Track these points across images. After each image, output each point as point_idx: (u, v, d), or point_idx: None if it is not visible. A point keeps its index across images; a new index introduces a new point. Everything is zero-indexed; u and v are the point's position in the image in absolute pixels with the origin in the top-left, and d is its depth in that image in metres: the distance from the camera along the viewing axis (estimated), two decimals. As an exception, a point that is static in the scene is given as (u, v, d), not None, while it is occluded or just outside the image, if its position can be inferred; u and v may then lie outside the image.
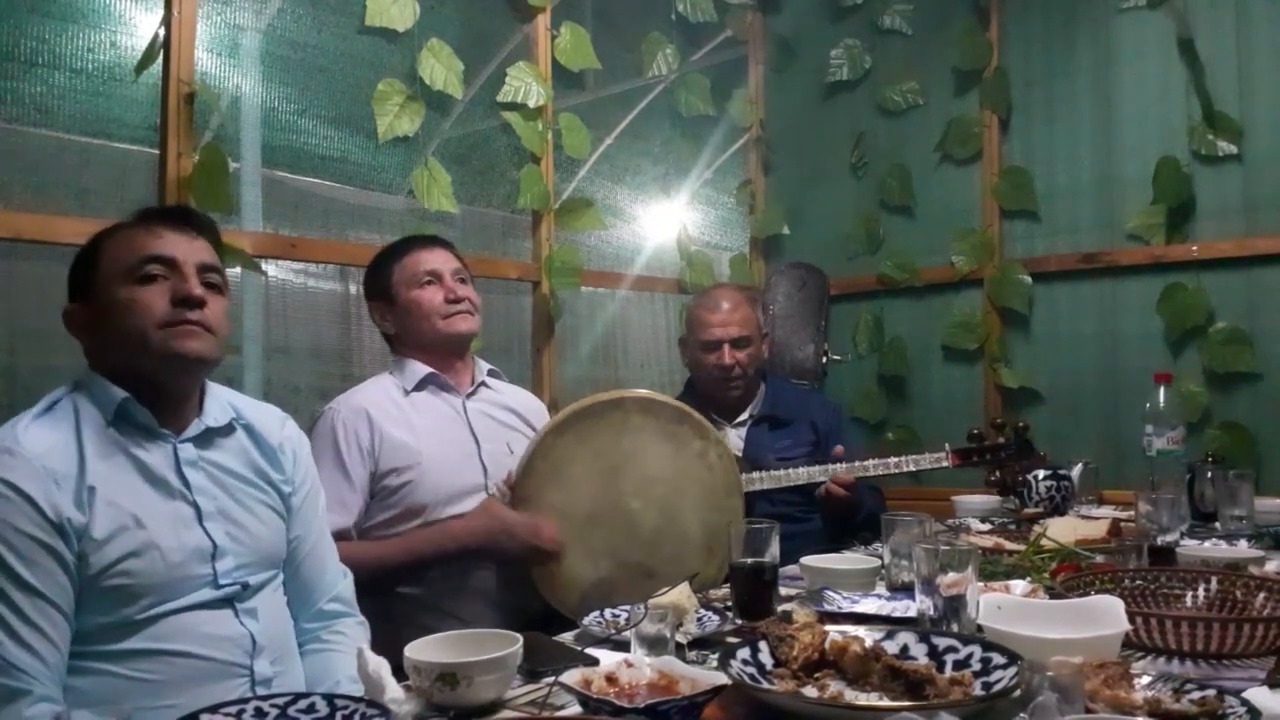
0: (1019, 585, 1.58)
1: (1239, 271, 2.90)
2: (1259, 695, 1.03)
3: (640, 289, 3.50)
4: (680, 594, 1.48)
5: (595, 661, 1.24)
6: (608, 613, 1.52)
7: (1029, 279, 3.27)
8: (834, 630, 1.21)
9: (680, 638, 1.34)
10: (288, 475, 1.44)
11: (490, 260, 2.95)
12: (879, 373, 3.57)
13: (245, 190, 2.38)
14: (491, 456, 1.95)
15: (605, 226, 3.26)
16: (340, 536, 1.66)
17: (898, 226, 3.58)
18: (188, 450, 1.33)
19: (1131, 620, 1.24)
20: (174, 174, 2.13)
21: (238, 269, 2.30)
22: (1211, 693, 1.02)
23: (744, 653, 1.17)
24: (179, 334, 1.29)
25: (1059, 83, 3.25)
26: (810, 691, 1.11)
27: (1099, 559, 1.81)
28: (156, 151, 2.15)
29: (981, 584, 1.41)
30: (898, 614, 1.50)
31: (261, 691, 1.27)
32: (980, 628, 1.26)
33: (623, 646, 1.29)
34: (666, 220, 3.60)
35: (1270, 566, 1.79)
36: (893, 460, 2.27)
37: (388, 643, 1.25)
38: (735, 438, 2.48)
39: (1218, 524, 2.21)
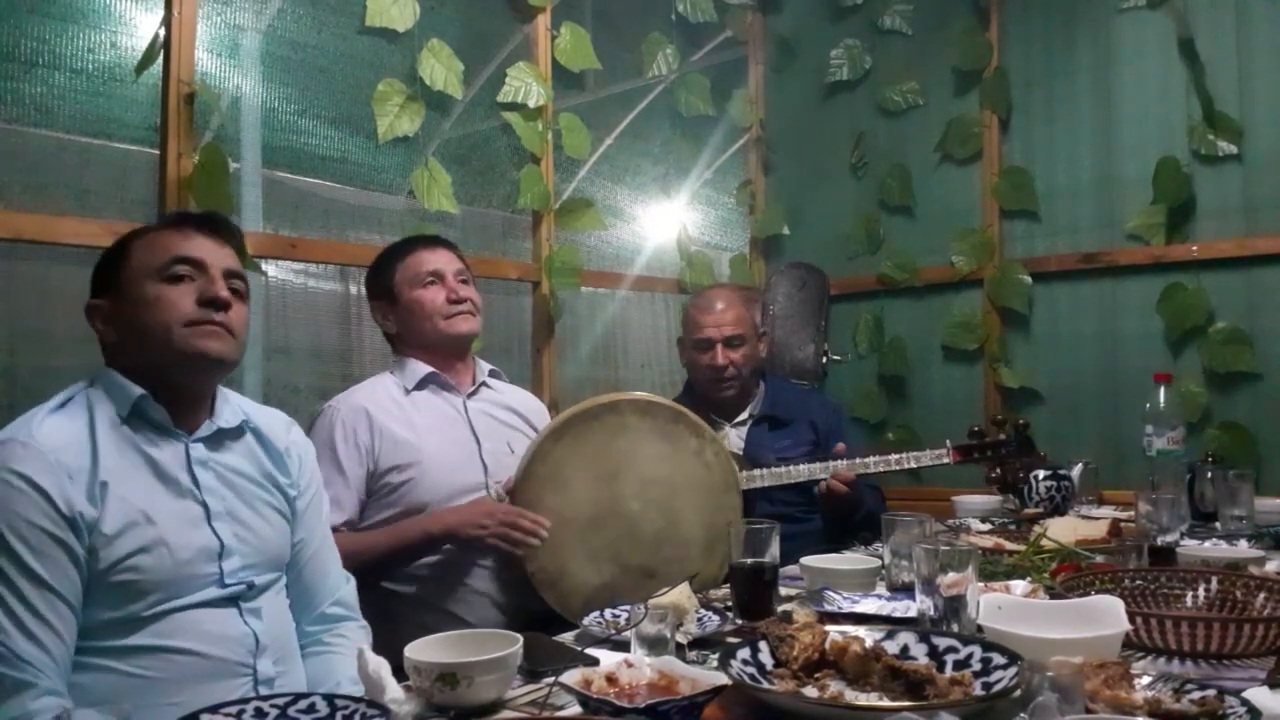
0: (1019, 585, 1.58)
1: (1239, 271, 2.90)
2: (1259, 695, 1.03)
3: (640, 289, 3.50)
4: (680, 594, 1.48)
5: (595, 661, 1.24)
6: (608, 613, 1.52)
7: (1029, 279, 3.27)
8: (834, 630, 1.21)
9: (680, 638, 1.34)
10: (293, 479, 1.46)
11: (490, 260, 2.95)
12: (879, 373, 3.58)
13: (245, 190, 2.38)
14: (492, 455, 1.96)
15: (605, 227, 3.26)
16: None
17: (898, 226, 3.58)
18: (199, 450, 1.35)
19: (1132, 620, 1.24)
20: (174, 174, 2.13)
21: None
22: (1212, 693, 1.02)
23: (744, 653, 1.17)
24: (202, 333, 1.31)
25: (1059, 83, 3.25)
26: (810, 692, 1.11)
27: (1099, 559, 1.80)
28: (156, 152, 2.16)
29: (981, 584, 1.41)
30: (898, 614, 1.50)
31: (264, 691, 1.28)
32: (980, 628, 1.26)
33: (623, 646, 1.29)
34: (666, 220, 3.60)
35: (1270, 566, 1.79)
36: (893, 457, 2.27)
37: (388, 643, 1.25)
38: (735, 438, 2.48)
39: (1218, 524, 2.21)
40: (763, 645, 1.19)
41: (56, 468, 1.19)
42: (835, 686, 1.12)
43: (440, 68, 2.68)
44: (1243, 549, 1.87)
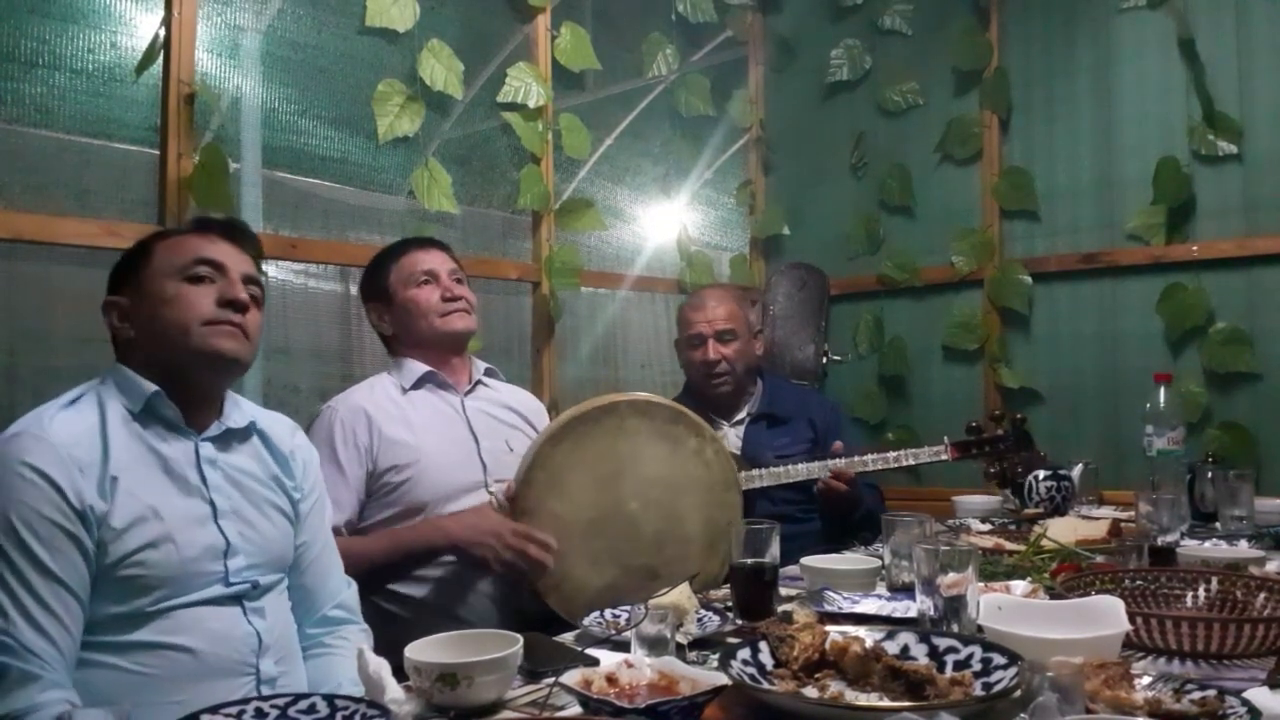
0: (1019, 585, 1.58)
1: (1239, 271, 2.90)
2: (1259, 695, 1.03)
3: (640, 289, 3.50)
4: (680, 594, 1.48)
5: (595, 662, 1.24)
6: (608, 613, 1.52)
7: (1029, 279, 3.27)
8: (834, 630, 1.21)
9: (680, 638, 1.34)
10: (298, 482, 1.47)
11: (490, 261, 2.95)
12: (879, 373, 3.58)
13: (245, 191, 2.38)
14: (490, 454, 1.96)
15: (605, 227, 3.26)
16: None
17: (898, 226, 3.58)
18: (208, 449, 1.36)
19: (1132, 620, 1.24)
20: (174, 174, 2.13)
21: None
22: (1212, 693, 1.02)
23: (744, 653, 1.17)
24: (219, 333, 1.34)
25: (1059, 83, 3.25)
26: (810, 692, 1.11)
27: (1099, 559, 1.80)
28: (156, 152, 2.16)
29: (982, 584, 1.41)
30: (898, 614, 1.50)
31: (266, 690, 1.28)
32: (980, 628, 1.26)
33: (623, 647, 1.29)
34: (666, 220, 3.60)
35: (1270, 566, 1.79)
36: (892, 454, 2.27)
37: (388, 643, 1.25)
38: (733, 436, 2.49)
39: (1218, 524, 2.21)
40: (763, 645, 1.19)
41: (68, 461, 1.20)
42: (835, 687, 1.12)
43: (440, 68, 2.68)
44: (1243, 549, 1.87)
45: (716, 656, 1.25)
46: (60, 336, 2.10)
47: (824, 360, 3.53)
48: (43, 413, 1.26)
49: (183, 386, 1.34)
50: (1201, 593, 1.49)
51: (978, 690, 1.07)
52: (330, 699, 1.06)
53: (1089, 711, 0.98)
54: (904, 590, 1.58)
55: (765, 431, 2.48)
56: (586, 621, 1.50)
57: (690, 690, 1.07)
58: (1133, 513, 2.09)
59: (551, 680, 1.14)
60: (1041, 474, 2.44)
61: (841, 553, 1.99)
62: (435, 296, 2.00)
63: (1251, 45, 2.89)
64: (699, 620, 1.48)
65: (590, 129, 3.15)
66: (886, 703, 1.06)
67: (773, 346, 3.44)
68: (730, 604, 1.57)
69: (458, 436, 1.96)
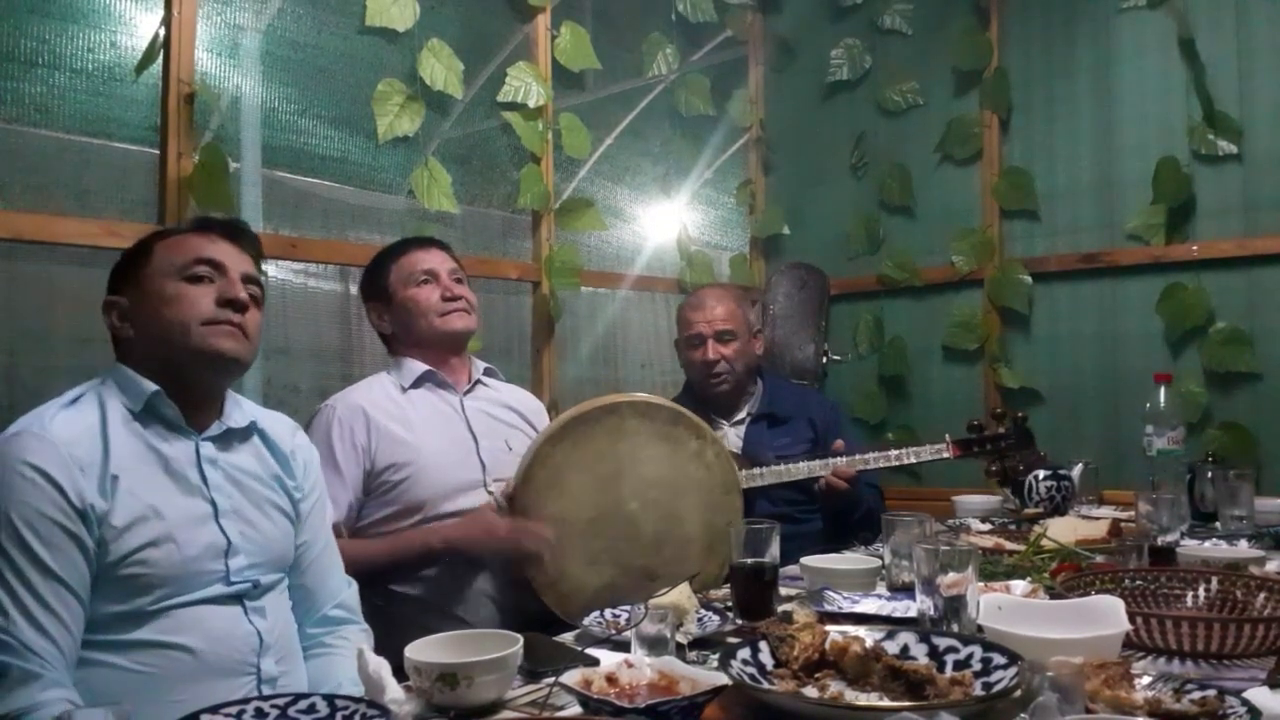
0: (1019, 585, 1.58)
1: (1239, 271, 2.90)
2: (1259, 695, 1.03)
3: (640, 289, 3.50)
4: (680, 594, 1.48)
5: (595, 662, 1.24)
6: (608, 613, 1.52)
7: (1029, 279, 3.27)
8: (834, 630, 1.21)
9: (680, 638, 1.34)
10: (298, 482, 1.47)
11: (490, 260, 2.95)
12: (879, 373, 3.58)
13: (245, 190, 2.38)
14: (489, 453, 1.96)
15: (605, 227, 3.26)
16: None
17: (898, 226, 3.58)
18: (208, 448, 1.36)
19: (1132, 620, 1.24)
20: (174, 174, 2.13)
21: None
22: (1212, 693, 1.02)
23: (744, 653, 1.17)
24: (219, 333, 1.34)
25: (1059, 83, 3.25)
26: (810, 692, 1.11)
27: (1099, 559, 1.81)
28: (156, 151, 2.16)
29: (982, 584, 1.41)
30: (898, 614, 1.50)
31: (267, 690, 1.29)
32: (980, 628, 1.26)
33: (623, 647, 1.29)
34: (666, 220, 3.60)
35: (1270, 566, 1.79)
36: (893, 453, 2.27)
37: (388, 643, 1.25)
38: (734, 436, 2.49)
39: (1218, 524, 2.21)
40: (763, 645, 1.19)
41: (69, 460, 1.20)
42: (835, 686, 1.12)
43: (440, 68, 2.68)
44: (1243, 549, 1.87)
45: (716, 656, 1.25)
46: (60, 336, 2.10)
47: (824, 360, 3.53)
48: (43, 412, 1.26)
49: (183, 386, 1.34)
50: (1201, 593, 1.49)
51: (978, 690, 1.07)
52: (330, 699, 1.06)
53: (1089, 711, 0.98)
54: (904, 590, 1.58)
55: (766, 431, 2.48)
56: (586, 621, 1.50)
57: (690, 690, 1.07)
58: (1133, 513, 2.09)
59: (551, 680, 1.14)
60: (1041, 474, 2.44)
61: (841, 553, 1.99)
62: (435, 296, 2.00)
63: (1251, 45, 2.89)
64: (699, 620, 1.48)
65: (590, 129, 3.15)
66: (886, 703, 1.06)
67: (773, 346, 3.44)
68: (730, 604, 1.57)
69: (456, 436, 1.96)
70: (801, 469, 2.24)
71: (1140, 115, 3.07)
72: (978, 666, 1.13)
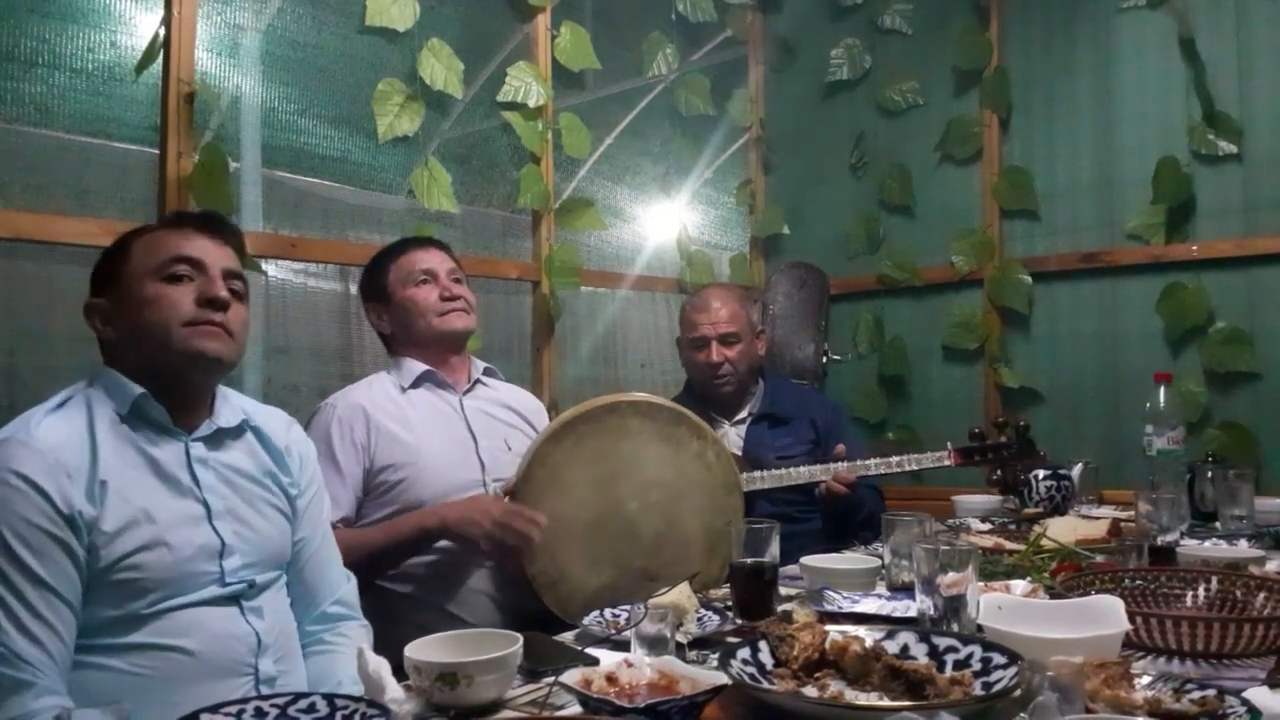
0: (1019, 585, 1.58)
1: (1239, 271, 2.90)
2: (1259, 695, 1.03)
3: (640, 289, 3.50)
4: (680, 594, 1.48)
5: (595, 661, 1.24)
6: (608, 613, 1.52)
7: (1029, 279, 3.27)
8: (834, 630, 1.21)
9: (680, 638, 1.34)
10: (294, 478, 1.46)
11: (490, 260, 2.95)
12: (879, 373, 3.57)
13: (245, 190, 2.38)
14: (489, 453, 1.96)
15: (605, 226, 3.26)
16: None
17: (898, 226, 3.58)
18: (199, 449, 1.35)
19: (1132, 620, 1.24)
20: (174, 174, 2.13)
21: (238, 269, 2.30)
22: (1211, 692, 1.02)
23: (744, 652, 1.17)
24: (201, 333, 1.31)
25: (1059, 83, 3.25)
26: (810, 691, 1.11)
27: (1099, 559, 1.81)
28: (156, 151, 2.15)
29: (981, 584, 1.41)
30: (898, 614, 1.50)
31: (265, 690, 1.28)
32: (980, 628, 1.26)
33: (623, 646, 1.29)
34: (666, 220, 3.60)
35: (1270, 566, 1.79)
36: (894, 459, 2.27)
37: (387, 643, 1.25)
38: (735, 436, 2.49)
39: (1218, 524, 2.21)
40: (763, 645, 1.19)
41: (55, 467, 1.19)
42: (835, 686, 1.12)
43: (440, 67, 2.68)
44: (1243, 549, 1.87)
45: (716, 656, 1.24)
46: (60, 336, 2.10)
47: (824, 360, 3.53)
48: (29, 418, 1.25)
49: (169, 387, 1.33)
50: (1201, 592, 1.49)
51: (977, 690, 1.07)
52: (330, 698, 1.06)
53: (1089, 711, 0.98)
54: (904, 590, 1.58)
55: (767, 432, 2.48)
56: (586, 621, 1.50)
57: (690, 690, 1.07)
58: (1133, 512, 2.09)
59: (551, 680, 1.14)
60: (1041, 473, 2.44)
61: (841, 552, 1.99)
62: (434, 296, 2.00)
63: (1251, 45, 2.89)
64: (699, 620, 1.48)
65: (590, 128, 3.15)
66: (886, 702, 1.06)
67: (773, 346, 3.44)
68: (730, 603, 1.57)
69: (456, 435, 1.96)
70: (803, 473, 2.24)
71: (1140, 115, 3.07)
72: (977, 666, 1.13)
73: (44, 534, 1.17)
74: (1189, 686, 1.04)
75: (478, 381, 2.09)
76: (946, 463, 2.30)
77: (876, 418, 3.56)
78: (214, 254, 1.36)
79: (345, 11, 2.54)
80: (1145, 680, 1.07)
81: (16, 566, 1.15)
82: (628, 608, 1.49)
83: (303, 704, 1.06)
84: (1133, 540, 1.73)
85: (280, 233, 2.44)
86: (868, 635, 1.20)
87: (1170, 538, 1.84)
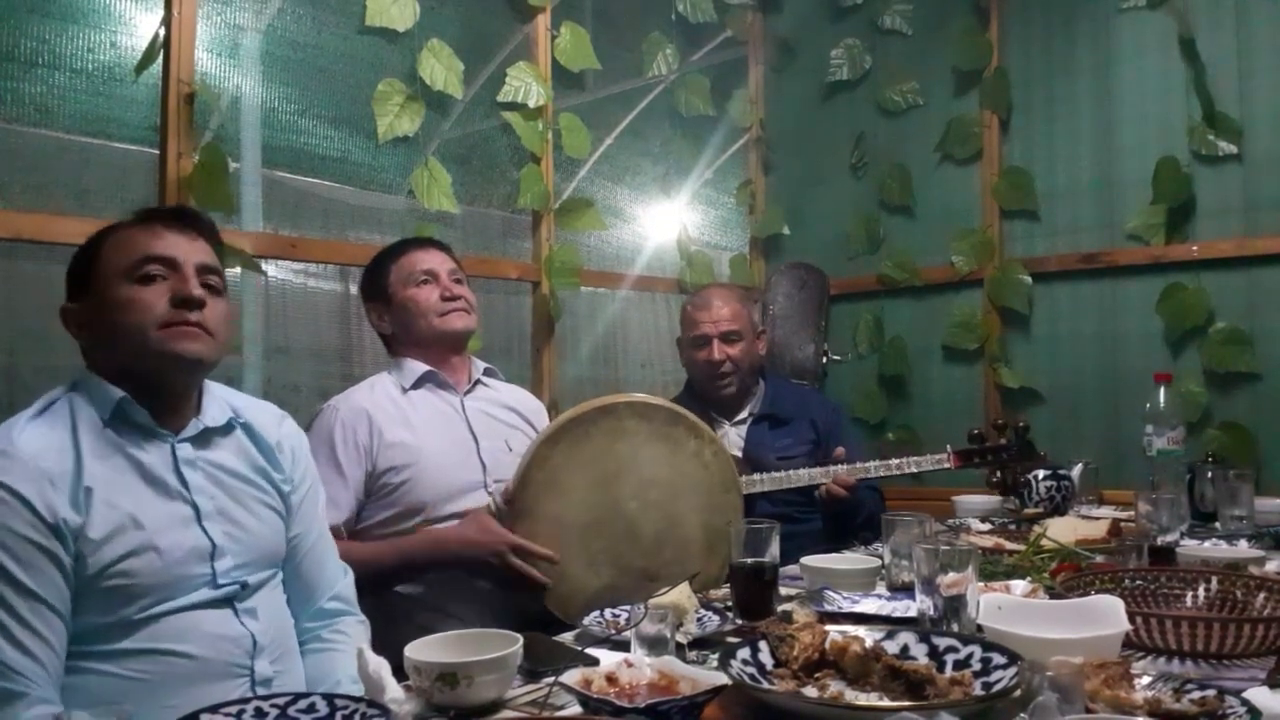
0: (1019, 585, 1.58)
1: (1239, 271, 2.90)
2: (1259, 695, 1.03)
3: (640, 289, 3.50)
4: (680, 594, 1.48)
5: (595, 661, 1.24)
6: (608, 613, 1.52)
7: (1029, 279, 3.27)
8: (834, 630, 1.21)
9: (680, 638, 1.34)
10: (286, 474, 1.44)
11: (490, 260, 2.95)
12: (879, 373, 3.57)
13: (245, 190, 2.38)
14: (490, 454, 1.96)
15: (605, 227, 3.26)
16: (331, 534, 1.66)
17: (898, 226, 3.58)
18: (186, 450, 1.32)
19: (1132, 620, 1.24)
20: (174, 174, 2.13)
21: (238, 269, 2.30)
22: (1212, 693, 1.02)
23: (744, 653, 1.17)
24: (178, 335, 1.28)
25: (1059, 83, 3.25)
26: (810, 691, 1.11)
27: (1099, 559, 1.81)
28: (156, 151, 2.16)
29: (981, 584, 1.41)
30: (898, 614, 1.50)
31: (262, 691, 1.27)
32: (980, 628, 1.26)
33: (623, 646, 1.29)
34: (666, 220, 3.60)
35: (1270, 566, 1.79)
36: (894, 462, 2.27)
37: (387, 643, 1.25)
38: (735, 436, 2.49)
39: (1218, 524, 2.21)
40: (763, 645, 1.19)
41: (38, 475, 1.17)
42: (835, 686, 1.12)
43: (440, 68, 2.68)
44: (1243, 549, 1.87)
45: (716, 656, 1.24)
46: (60, 336, 2.06)
47: (824, 360, 3.53)
48: (11, 425, 1.23)
49: (150, 390, 1.30)
50: (1201, 593, 1.49)
51: (977, 690, 1.07)
52: (330, 698, 1.06)
53: (1089, 711, 0.98)
54: (904, 590, 1.58)
55: (767, 432, 2.48)
56: (586, 621, 1.50)
57: (690, 690, 1.07)
58: (1133, 513, 2.09)
59: (551, 680, 1.14)
60: (1041, 474, 2.44)
61: (841, 552, 1.99)
62: (434, 296, 2.00)
63: (1251, 45, 2.89)
64: (699, 620, 1.48)
65: (590, 129, 3.15)
66: (886, 703, 1.06)
67: (773, 346, 3.44)
68: (730, 604, 1.57)
69: (457, 437, 1.96)
70: (802, 476, 2.24)
71: (1140, 115, 3.07)
72: (977, 666, 1.13)
73: (29, 543, 1.15)
74: (1189, 687, 1.04)
75: (478, 382, 2.09)
76: (946, 465, 2.30)
77: (876, 418, 3.56)
78: (186, 250, 1.32)
79: (345, 12, 2.55)
80: (1145, 680, 1.07)
81: (3, 578, 1.14)
82: (628, 608, 1.49)
83: (303, 704, 1.05)
84: (1133, 540, 1.73)
85: (280, 233, 2.44)
86: (868, 635, 1.20)
87: (1170, 538, 1.84)
